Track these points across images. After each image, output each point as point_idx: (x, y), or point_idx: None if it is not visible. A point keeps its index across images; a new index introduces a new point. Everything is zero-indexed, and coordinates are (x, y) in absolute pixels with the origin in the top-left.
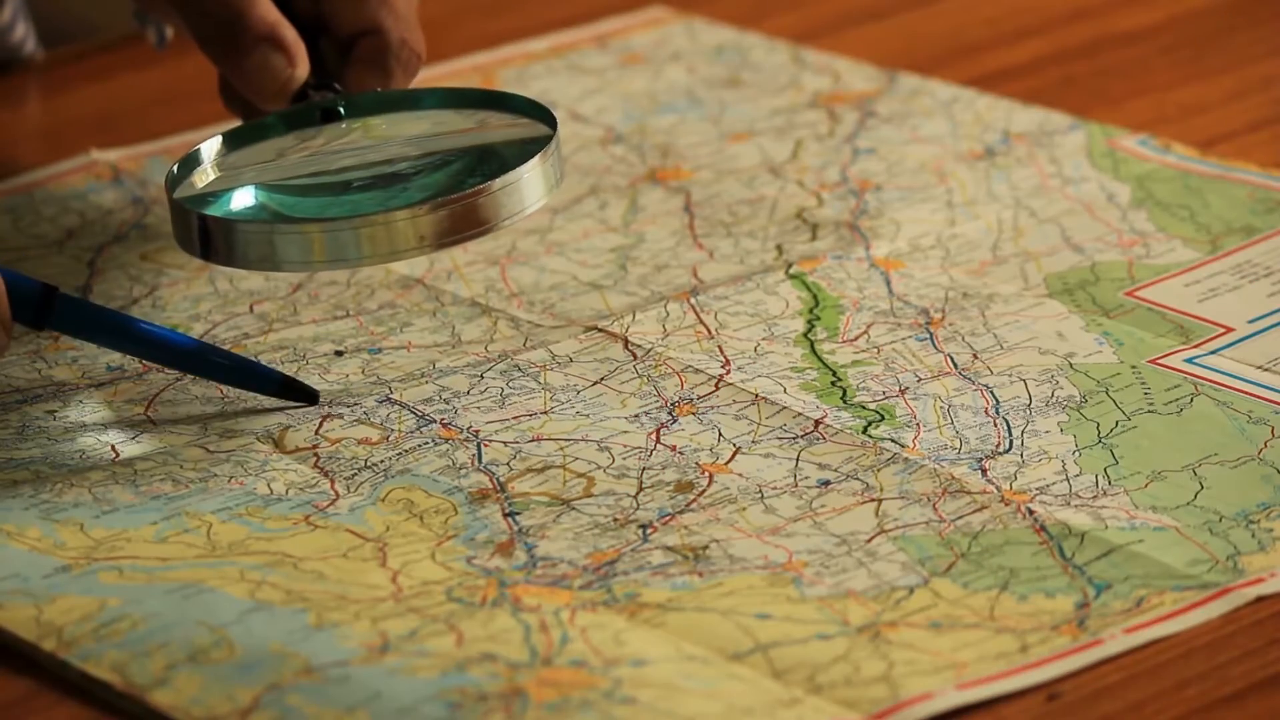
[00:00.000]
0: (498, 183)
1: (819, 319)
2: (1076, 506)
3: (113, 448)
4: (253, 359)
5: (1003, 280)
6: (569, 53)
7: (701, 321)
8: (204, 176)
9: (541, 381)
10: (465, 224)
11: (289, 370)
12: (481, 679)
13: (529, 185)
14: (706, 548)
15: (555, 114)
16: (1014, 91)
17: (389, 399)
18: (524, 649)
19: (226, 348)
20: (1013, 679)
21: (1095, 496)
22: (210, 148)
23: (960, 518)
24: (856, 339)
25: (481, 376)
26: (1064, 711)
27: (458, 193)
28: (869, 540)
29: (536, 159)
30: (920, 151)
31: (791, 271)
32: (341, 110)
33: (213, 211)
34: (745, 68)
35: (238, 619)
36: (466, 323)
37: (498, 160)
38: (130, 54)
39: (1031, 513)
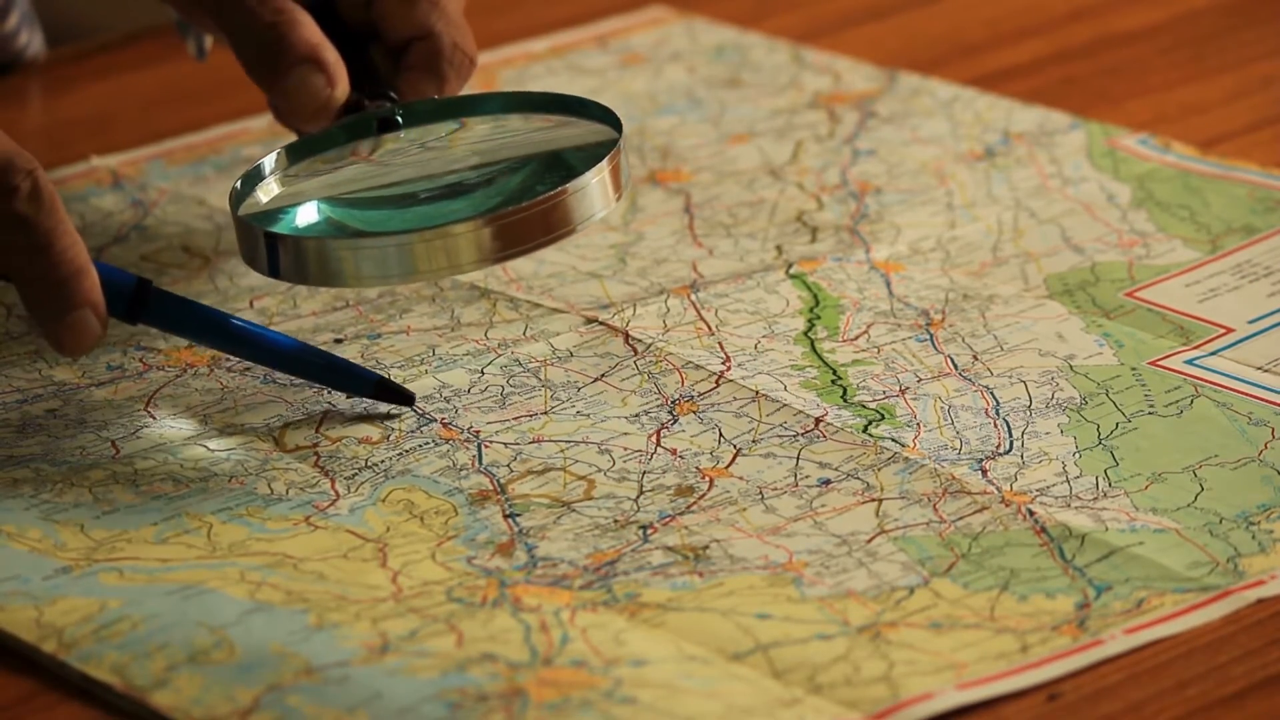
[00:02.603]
0: (570, 188)
1: (819, 318)
2: (1077, 508)
3: (113, 444)
4: (349, 360)
5: (1003, 281)
6: (569, 53)
7: (702, 318)
8: (268, 191)
9: (542, 378)
10: (538, 231)
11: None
12: (482, 679)
13: (598, 190)
14: (707, 548)
15: (620, 117)
16: (1014, 91)
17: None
18: (524, 649)
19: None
20: (1013, 679)
21: (1095, 498)
22: (272, 162)
23: (961, 518)
24: (857, 339)
25: (482, 372)
26: (1064, 712)
27: (529, 200)
28: (869, 540)
29: (605, 163)
30: (920, 152)
31: (791, 272)
32: (399, 119)
33: (279, 229)
34: (745, 68)
35: (238, 620)
36: (466, 305)
37: (564, 166)
38: (130, 54)
39: (1032, 514)
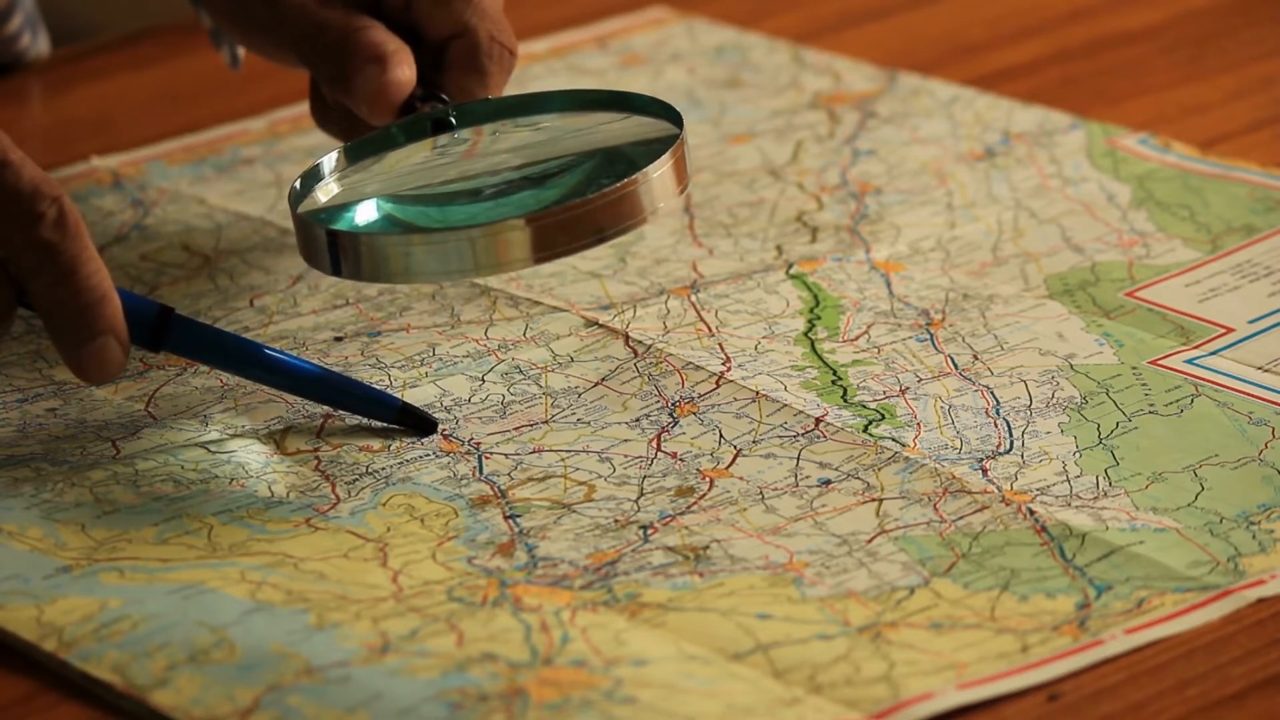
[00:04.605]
0: (629, 181)
1: (819, 318)
2: (1077, 507)
3: (113, 444)
4: (373, 386)
5: (1003, 281)
6: (569, 53)
7: (702, 319)
8: (326, 191)
9: (542, 385)
10: (605, 223)
11: None
12: (482, 679)
13: (661, 184)
14: (707, 548)
15: (680, 112)
16: (1014, 91)
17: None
18: (525, 649)
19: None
20: (1013, 679)
21: (1096, 497)
22: (330, 162)
23: (961, 518)
24: (857, 339)
25: (482, 379)
26: (1065, 712)
27: (590, 194)
28: (870, 540)
29: (667, 156)
30: (920, 152)
31: (792, 272)
32: (453, 120)
33: (341, 226)
34: (745, 68)
35: (238, 619)
36: (465, 303)
37: (626, 161)
38: (130, 54)
39: (1032, 513)
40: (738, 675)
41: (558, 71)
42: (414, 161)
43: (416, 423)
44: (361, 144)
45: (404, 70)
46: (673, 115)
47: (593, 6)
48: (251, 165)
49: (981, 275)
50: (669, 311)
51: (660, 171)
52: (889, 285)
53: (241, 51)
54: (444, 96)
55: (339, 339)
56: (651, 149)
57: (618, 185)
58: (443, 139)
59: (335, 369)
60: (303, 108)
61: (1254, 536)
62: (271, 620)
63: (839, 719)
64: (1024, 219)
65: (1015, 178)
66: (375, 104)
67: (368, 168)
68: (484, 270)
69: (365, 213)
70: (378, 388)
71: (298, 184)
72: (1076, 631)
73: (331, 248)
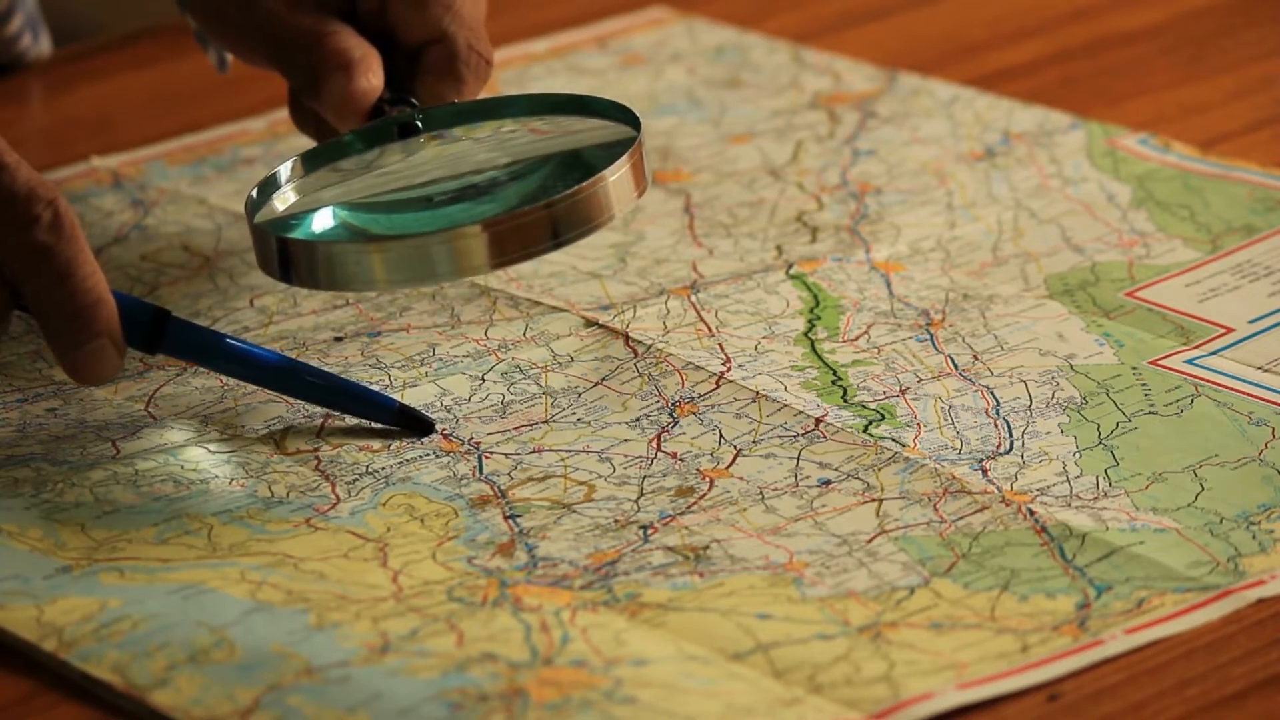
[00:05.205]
0: (586, 185)
1: (819, 319)
2: (1077, 508)
3: (113, 444)
4: (369, 387)
5: (1003, 281)
6: (569, 54)
7: (702, 319)
8: (284, 200)
9: (542, 385)
10: (562, 228)
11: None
12: (482, 679)
13: (619, 187)
14: (707, 548)
15: (639, 115)
16: (1014, 91)
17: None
18: (525, 649)
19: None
20: (1013, 679)
21: (1096, 498)
22: (287, 169)
23: (961, 518)
24: (857, 339)
25: (482, 379)
26: (1065, 712)
27: (547, 199)
28: (870, 540)
29: (625, 159)
30: (920, 152)
31: (792, 272)
32: (419, 124)
33: (297, 235)
34: (745, 68)
35: (238, 619)
36: (466, 303)
37: (583, 165)
38: (130, 54)
39: (1032, 514)
40: (738, 675)
41: (558, 72)
42: (372, 168)
43: (414, 424)
44: (321, 150)
45: (369, 78)
46: (631, 119)
47: (593, 6)
48: (251, 165)
49: (981, 275)
50: (669, 311)
51: (618, 175)
52: (889, 285)
53: (230, 56)
54: (413, 100)
55: (339, 339)
56: (610, 152)
57: (575, 189)
58: (400, 145)
59: (335, 369)
60: None
61: (1254, 537)
62: (271, 620)
63: (839, 719)
64: (1024, 219)
65: (1015, 178)
66: (342, 111)
67: (326, 175)
68: (442, 277)
69: (320, 221)
70: (375, 389)
71: (254, 193)
72: (1076, 631)
73: (282, 255)
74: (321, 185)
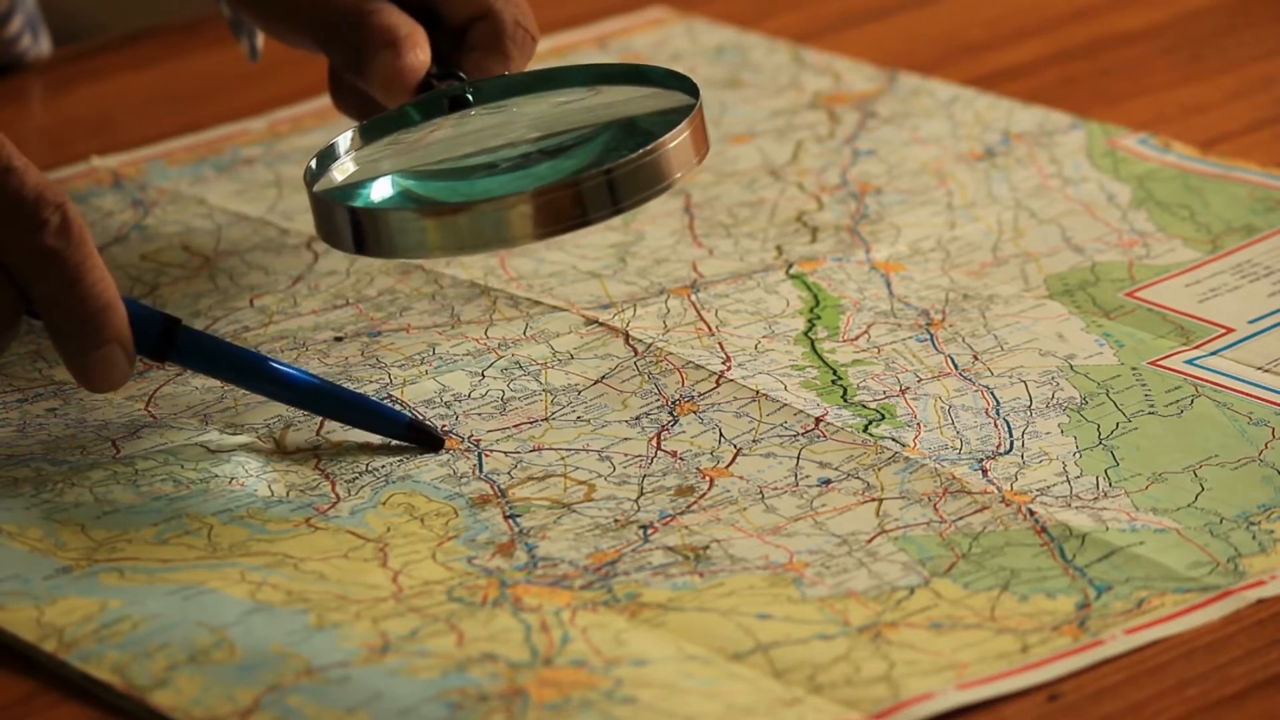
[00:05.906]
0: (654, 147)
1: (819, 318)
2: (1077, 508)
3: (113, 444)
4: (379, 400)
5: (1003, 281)
6: (569, 53)
7: (702, 318)
8: (343, 170)
9: (542, 382)
10: (629, 191)
11: (287, 358)
12: (482, 679)
13: (679, 152)
14: (707, 548)
15: (696, 83)
16: (1014, 91)
17: (389, 398)
18: (525, 649)
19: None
20: (1013, 679)
21: (1096, 498)
22: (345, 141)
23: (961, 518)
24: (857, 339)
25: (482, 375)
26: (1064, 712)
27: (611, 162)
28: (869, 540)
29: (685, 124)
30: (920, 152)
31: (792, 272)
32: (470, 97)
33: (357, 203)
34: (745, 68)
35: (238, 620)
36: (466, 303)
37: (643, 131)
38: (130, 54)
39: (1032, 514)
40: (738, 675)
41: None
42: (430, 137)
43: (423, 438)
44: (377, 123)
45: (418, 54)
46: (689, 86)
47: (593, 6)
48: (251, 165)
49: (981, 275)
50: (669, 311)
51: (678, 140)
52: (889, 285)
53: (260, 44)
54: (461, 74)
55: (339, 339)
56: (668, 119)
57: (635, 154)
58: (457, 115)
59: (335, 369)
60: (303, 107)
61: (1254, 537)
62: (271, 620)
63: (839, 719)
64: (1024, 219)
65: (1015, 178)
66: (390, 88)
67: (383, 146)
68: (500, 243)
69: (380, 189)
70: (384, 401)
71: (313, 163)
72: (1076, 631)
73: (354, 225)
74: (380, 155)
